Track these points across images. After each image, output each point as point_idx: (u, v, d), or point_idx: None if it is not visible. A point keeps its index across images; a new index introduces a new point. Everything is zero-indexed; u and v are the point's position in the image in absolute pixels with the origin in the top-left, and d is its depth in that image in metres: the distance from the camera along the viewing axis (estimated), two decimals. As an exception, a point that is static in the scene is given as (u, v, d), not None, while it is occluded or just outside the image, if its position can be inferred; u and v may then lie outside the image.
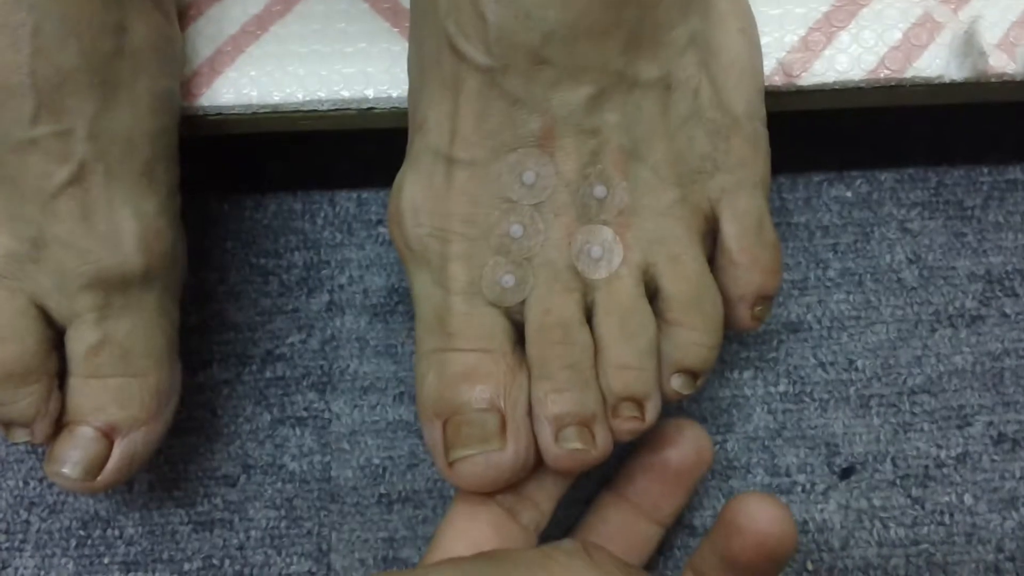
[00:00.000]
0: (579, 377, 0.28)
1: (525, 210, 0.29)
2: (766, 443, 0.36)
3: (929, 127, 0.40)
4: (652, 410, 0.29)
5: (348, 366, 0.38)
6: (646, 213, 0.29)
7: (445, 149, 0.29)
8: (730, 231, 0.30)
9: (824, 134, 0.40)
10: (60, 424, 0.31)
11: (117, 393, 0.31)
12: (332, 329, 0.39)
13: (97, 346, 0.31)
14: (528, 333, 0.29)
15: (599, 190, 0.29)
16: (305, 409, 0.38)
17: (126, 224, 0.31)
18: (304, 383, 0.38)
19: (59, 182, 0.30)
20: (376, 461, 0.37)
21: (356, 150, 0.42)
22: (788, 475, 0.36)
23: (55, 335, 0.31)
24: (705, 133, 0.30)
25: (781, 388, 0.37)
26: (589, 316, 0.29)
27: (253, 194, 0.41)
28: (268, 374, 0.39)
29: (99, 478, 0.31)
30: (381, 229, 0.40)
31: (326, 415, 0.38)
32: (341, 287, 0.40)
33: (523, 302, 0.29)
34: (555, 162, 0.28)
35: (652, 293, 0.29)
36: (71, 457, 0.31)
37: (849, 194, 0.39)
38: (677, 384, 0.30)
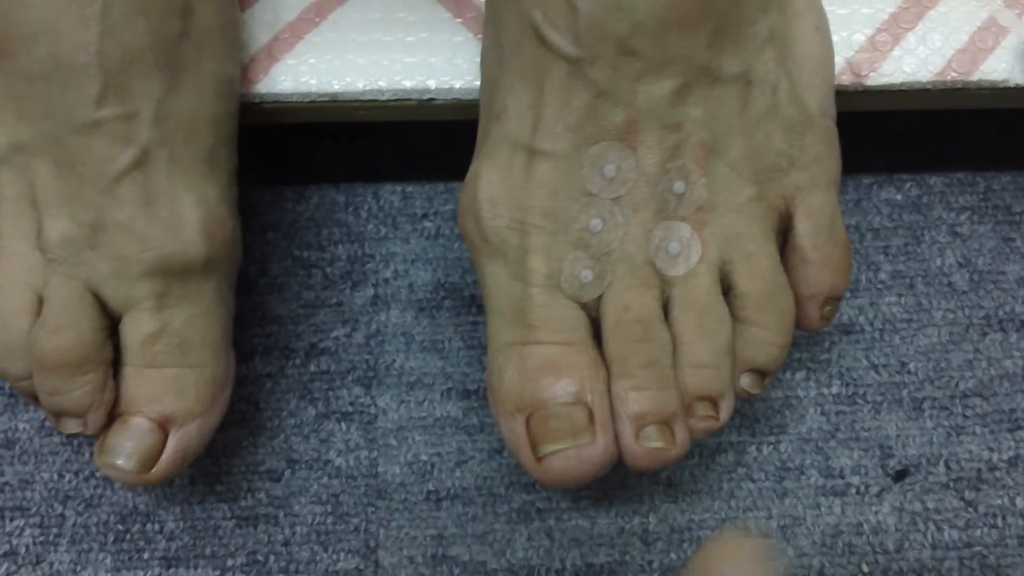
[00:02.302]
0: (659, 375, 0.28)
1: (605, 204, 0.28)
2: (819, 445, 0.36)
3: (977, 131, 0.40)
4: (726, 409, 0.29)
5: (394, 361, 0.38)
6: (723, 209, 0.29)
7: (526, 140, 0.28)
8: (803, 229, 0.30)
9: (873, 136, 0.40)
10: (112, 415, 0.31)
11: (173, 384, 0.31)
12: (377, 323, 0.38)
13: (154, 335, 0.30)
14: (606, 329, 0.28)
15: (678, 185, 0.28)
16: (351, 404, 0.37)
17: (188, 211, 0.30)
18: (349, 377, 0.38)
19: (122, 166, 0.29)
20: (424, 457, 0.37)
21: (401, 143, 0.41)
22: (842, 477, 0.36)
23: (110, 323, 0.30)
24: (781, 130, 0.29)
25: (834, 390, 0.37)
26: (665, 313, 0.29)
27: (295, 185, 0.41)
28: (312, 368, 0.38)
29: (153, 470, 0.30)
30: (427, 223, 0.40)
31: (372, 410, 0.37)
32: (386, 281, 0.39)
33: (599, 298, 0.29)
34: (636, 156, 0.28)
35: (725, 290, 0.29)
36: (125, 448, 0.30)
37: (899, 197, 0.39)
38: (746, 383, 0.30)
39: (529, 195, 0.28)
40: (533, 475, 0.28)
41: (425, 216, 0.40)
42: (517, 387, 0.28)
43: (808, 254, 0.30)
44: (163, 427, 0.30)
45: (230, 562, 0.36)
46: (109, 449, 0.30)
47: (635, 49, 0.27)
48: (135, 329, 0.30)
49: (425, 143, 0.41)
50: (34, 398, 0.31)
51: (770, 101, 0.29)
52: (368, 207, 0.40)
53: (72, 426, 0.31)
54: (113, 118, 0.29)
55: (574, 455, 0.27)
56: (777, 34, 0.29)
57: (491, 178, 0.29)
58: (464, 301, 0.39)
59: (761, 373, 0.29)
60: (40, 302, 0.30)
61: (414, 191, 0.40)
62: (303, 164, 0.41)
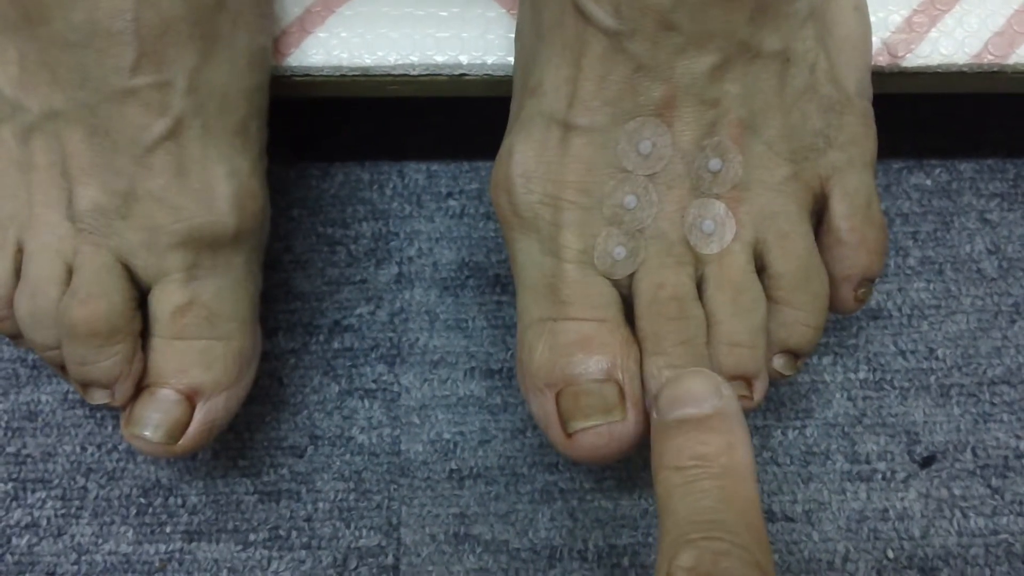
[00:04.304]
0: (693, 353, 0.28)
1: (639, 180, 0.28)
2: (846, 430, 0.36)
3: (1007, 118, 0.40)
4: (760, 389, 0.29)
5: (417, 339, 0.38)
6: (758, 188, 0.29)
7: (562, 114, 0.28)
8: (839, 209, 0.29)
9: (903, 121, 0.40)
10: (140, 386, 0.31)
11: (201, 356, 0.30)
12: (401, 301, 0.38)
13: (184, 307, 0.30)
14: (639, 307, 0.28)
15: (714, 163, 0.28)
16: (374, 381, 0.37)
17: (221, 182, 0.30)
18: (373, 355, 0.38)
19: (156, 135, 0.29)
20: (447, 436, 0.36)
21: (425, 121, 0.41)
22: (868, 463, 0.36)
23: (139, 294, 0.30)
24: (819, 109, 0.29)
25: (861, 375, 0.37)
26: (698, 291, 0.28)
27: (319, 162, 0.40)
28: (336, 345, 0.38)
29: (180, 442, 0.30)
30: (451, 202, 0.40)
31: (395, 388, 0.37)
32: (410, 259, 0.39)
33: (631, 275, 0.28)
34: (673, 132, 0.28)
35: (759, 270, 0.29)
36: (152, 420, 0.30)
37: (929, 182, 0.39)
38: (779, 364, 0.29)
39: (563, 170, 0.28)
40: (562, 451, 0.28)
41: (450, 195, 0.40)
42: (548, 363, 0.28)
43: (844, 235, 0.29)
44: (190, 399, 0.30)
45: (252, 537, 0.36)
46: (136, 420, 0.30)
47: (676, 23, 0.26)
48: (164, 300, 0.30)
49: (450, 121, 0.41)
50: (61, 368, 0.31)
51: (808, 79, 0.29)
52: (393, 185, 0.40)
53: (100, 397, 0.31)
54: (148, 86, 0.28)
55: (605, 432, 0.27)
56: (817, 12, 0.29)
57: (525, 153, 0.29)
58: (488, 280, 0.38)
59: (794, 354, 0.29)
60: (70, 271, 0.30)
61: (439, 170, 0.40)
62: (328, 141, 0.41)
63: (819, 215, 0.30)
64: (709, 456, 0.25)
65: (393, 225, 0.39)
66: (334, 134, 0.41)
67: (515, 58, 0.31)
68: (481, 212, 0.39)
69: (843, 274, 0.30)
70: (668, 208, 0.28)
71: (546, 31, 0.28)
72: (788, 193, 0.29)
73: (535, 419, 0.28)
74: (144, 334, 0.31)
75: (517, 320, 0.29)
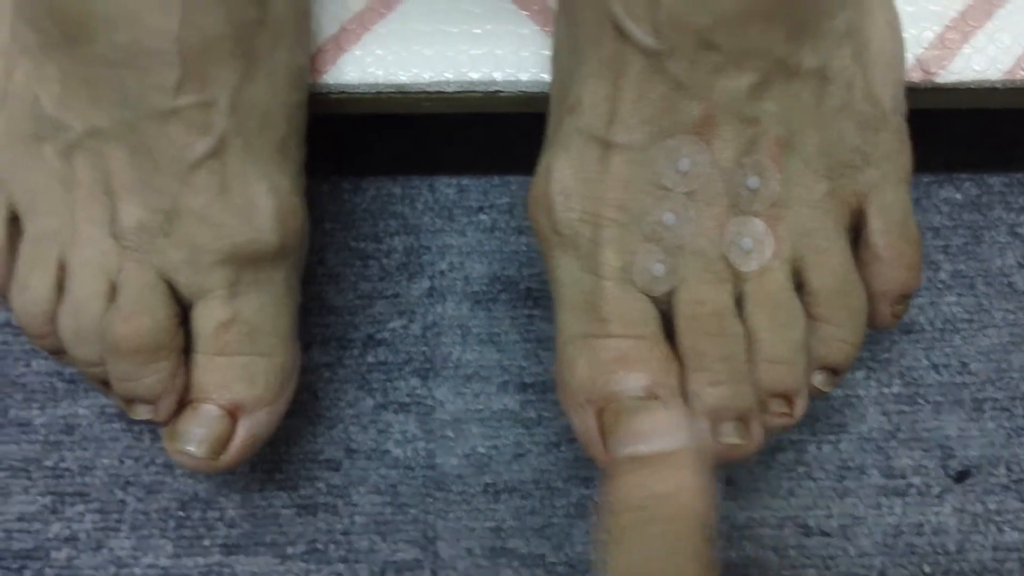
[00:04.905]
0: (735, 370, 0.28)
1: (678, 198, 0.28)
2: (880, 444, 0.36)
3: (1038, 132, 0.40)
4: (800, 406, 0.29)
5: (451, 353, 0.38)
6: (796, 205, 0.29)
7: (601, 132, 0.28)
8: (876, 226, 0.29)
9: (933, 135, 0.40)
10: (182, 401, 0.31)
11: (243, 372, 0.31)
12: (434, 315, 0.39)
13: (226, 323, 0.30)
14: (679, 323, 0.28)
15: (752, 181, 0.28)
16: (408, 395, 0.38)
17: (262, 200, 0.30)
18: (407, 369, 0.38)
19: (199, 154, 0.29)
20: (481, 450, 0.37)
21: (456, 136, 0.41)
22: (903, 477, 0.36)
23: (181, 310, 0.31)
24: (855, 126, 0.29)
25: (895, 389, 0.37)
26: (737, 308, 0.29)
27: (351, 177, 0.41)
28: (370, 359, 0.38)
29: (223, 457, 0.31)
30: (482, 216, 0.40)
31: (429, 402, 0.37)
32: (442, 273, 0.39)
33: (669, 292, 0.29)
34: (711, 150, 0.28)
35: (797, 286, 0.29)
36: (195, 435, 0.30)
37: (959, 196, 0.39)
38: (818, 381, 0.29)
39: (603, 188, 0.28)
40: (603, 467, 0.28)
41: (481, 209, 0.40)
42: (588, 379, 0.28)
43: (881, 251, 0.29)
44: (233, 414, 0.31)
45: (290, 550, 0.36)
46: (180, 435, 0.31)
47: (715, 42, 0.27)
48: (207, 317, 0.30)
49: (481, 137, 0.41)
50: (103, 384, 0.32)
51: (845, 97, 0.29)
52: (424, 199, 0.40)
53: (143, 412, 0.31)
54: (190, 106, 0.29)
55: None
56: (853, 29, 0.29)
57: (564, 170, 0.29)
58: (520, 294, 0.39)
59: (833, 371, 0.29)
60: (113, 288, 0.30)
61: (470, 184, 0.41)
62: (359, 156, 0.41)
63: (855, 231, 0.30)
64: (654, 498, 0.24)
65: (425, 239, 0.40)
66: (366, 149, 0.41)
67: (552, 76, 0.31)
68: (512, 226, 0.40)
69: (880, 290, 0.30)
70: (707, 225, 0.28)
71: (583, 49, 0.29)
72: (826, 210, 0.29)
73: (576, 435, 0.29)
74: (186, 350, 0.31)
75: (556, 336, 0.30)
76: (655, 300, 0.29)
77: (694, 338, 0.28)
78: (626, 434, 0.26)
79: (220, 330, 0.30)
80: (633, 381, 0.28)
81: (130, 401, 0.31)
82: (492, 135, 0.41)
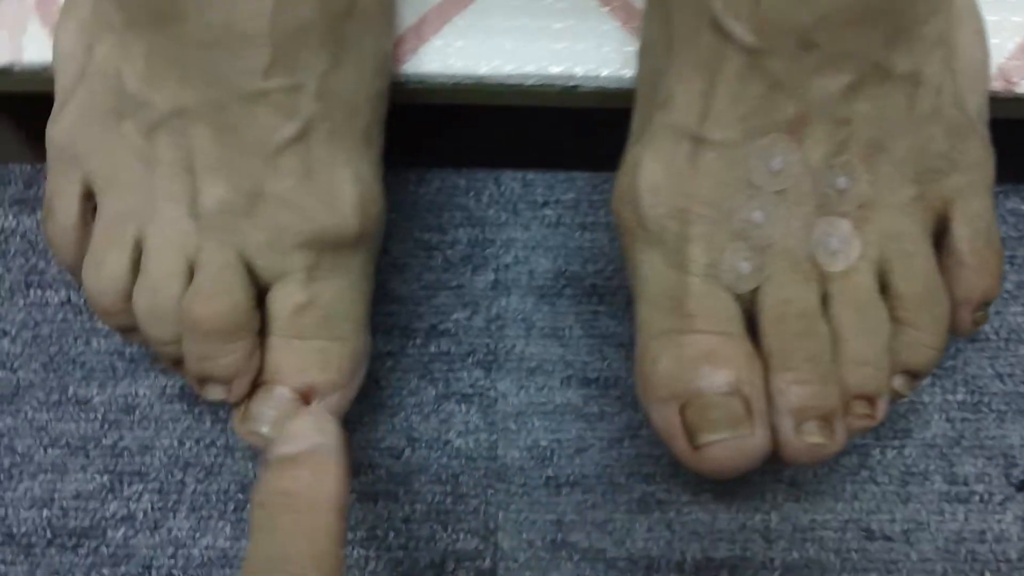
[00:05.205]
0: (821, 370, 0.28)
1: (768, 197, 0.28)
2: (944, 451, 0.36)
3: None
4: (882, 408, 0.29)
5: (514, 346, 0.38)
6: (884, 208, 0.29)
7: (693, 128, 0.28)
8: (962, 233, 0.29)
9: (1000, 145, 0.40)
10: (255, 383, 0.31)
11: (318, 356, 0.31)
12: (497, 308, 0.39)
13: (303, 307, 0.30)
14: (764, 322, 0.28)
15: (842, 181, 0.28)
16: (471, 386, 0.38)
17: (345, 186, 0.30)
18: (470, 360, 0.38)
19: (285, 137, 0.29)
20: (543, 443, 0.37)
21: (521, 130, 0.41)
22: (966, 484, 0.36)
23: (258, 292, 0.31)
24: (944, 132, 0.29)
25: (959, 397, 0.37)
26: (823, 308, 0.29)
27: (415, 168, 0.41)
28: (433, 349, 0.38)
29: (295, 440, 0.31)
30: (547, 211, 0.40)
31: (492, 394, 0.37)
32: (506, 267, 0.39)
33: (753, 290, 0.29)
34: (803, 149, 0.28)
35: (880, 289, 0.29)
36: (269, 417, 0.30)
37: (1026, 207, 0.39)
38: (899, 384, 0.29)
39: (693, 184, 0.28)
40: (687, 464, 0.28)
41: (546, 204, 0.40)
42: (673, 375, 0.28)
43: (965, 258, 0.29)
44: (306, 398, 0.31)
45: (350, 536, 0.36)
46: (253, 416, 0.31)
47: (815, 41, 0.27)
48: (284, 299, 0.30)
49: (547, 131, 0.41)
50: (174, 363, 0.32)
51: (935, 102, 0.29)
52: (489, 192, 0.40)
53: (216, 393, 0.31)
54: (279, 89, 0.29)
55: (733, 446, 0.27)
56: (944, 36, 0.29)
57: (653, 166, 0.29)
58: (585, 290, 0.39)
59: (913, 375, 0.29)
60: (191, 268, 0.30)
61: (535, 179, 0.41)
62: (424, 147, 0.41)
63: (937, 237, 0.30)
64: (292, 492, 0.26)
65: (489, 232, 0.40)
66: (430, 140, 0.41)
67: (639, 71, 0.31)
68: (577, 222, 0.40)
69: (963, 297, 0.30)
70: (795, 225, 0.28)
71: (678, 45, 0.29)
72: (912, 214, 0.29)
73: (656, 430, 0.29)
74: (260, 332, 0.31)
75: (636, 332, 0.30)
76: (738, 298, 0.29)
77: (780, 337, 0.28)
78: (277, 441, 0.28)
79: (297, 313, 0.30)
80: (720, 377, 0.28)
81: (204, 381, 0.31)
82: (558, 130, 0.41)
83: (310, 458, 0.27)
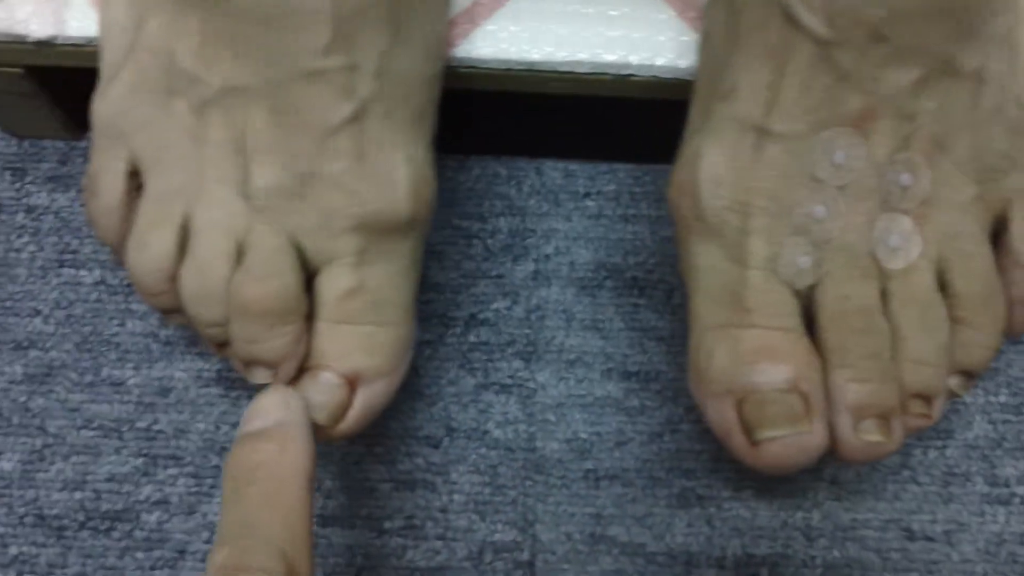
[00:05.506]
0: (880, 367, 0.27)
1: (830, 191, 0.28)
2: (986, 453, 0.36)
3: None
4: (939, 408, 0.28)
5: (554, 337, 0.38)
6: (944, 206, 0.29)
7: (758, 120, 0.28)
8: (1020, 232, 0.29)
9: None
10: (301, 367, 0.31)
11: (365, 341, 0.30)
12: (538, 299, 0.38)
13: (352, 291, 0.30)
14: (823, 318, 0.28)
15: (905, 178, 0.28)
16: (510, 377, 0.37)
17: (399, 169, 0.30)
18: (509, 350, 0.38)
19: (341, 118, 0.29)
20: (583, 436, 0.36)
21: (564, 121, 0.41)
22: (1007, 486, 0.36)
23: (307, 276, 0.30)
24: (1006, 131, 0.29)
25: (1002, 399, 0.37)
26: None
27: (455, 155, 0.41)
28: (472, 338, 0.38)
29: (340, 426, 0.30)
30: (588, 202, 0.40)
31: (531, 385, 0.37)
32: (547, 257, 0.39)
33: (812, 285, 0.28)
34: (868, 144, 0.28)
35: (940, 288, 0.29)
36: (315, 401, 0.30)
37: (1071, 210, 0.39)
38: (955, 384, 0.29)
39: (756, 176, 0.28)
40: (743, 458, 0.28)
41: (587, 195, 0.40)
42: (729, 370, 0.28)
43: (1023, 259, 0.29)
44: (352, 383, 0.30)
45: (387, 524, 0.36)
46: (299, 402, 0.30)
47: (886, 35, 0.26)
48: (333, 283, 0.30)
49: (589, 122, 0.41)
50: (218, 346, 0.31)
51: (998, 100, 0.29)
52: (530, 182, 0.40)
53: (262, 376, 0.31)
54: (337, 68, 0.28)
55: (792, 442, 0.27)
56: (1010, 35, 0.29)
57: (715, 158, 0.29)
58: (626, 282, 0.38)
59: (969, 375, 0.29)
60: (240, 249, 0.30)
61: (576, 169, 0.40)
62: (466, 134, 0.41)
63: (995, 236, 0.30)
64: (259, 464, 0.27)
65: (530, 222, 0.39)
66: (472, 127, 0.41)
67: (700, 61, 0.31)
68: (618, 214, 0.39)
69: (1019, 297, 0.29)
70: (856, 220, 0.28)
71: (744, 35, 0.28)
72: (973, 213, 0.29)
73: (711, 425, 0.28)
74: (308, 316, 0.31)
75: (690, 324, 0.29)
76: (796, 293, 0.28)
77: (839, 334, 0.28)
78: (245, 419, 0.29)
79: (345, 298, 0.30)
80: (778, 373, 0.27)
81: (250, 364, 0.30)
82: (601, 121, 0.41)
83: (276, 432, 0.28)
